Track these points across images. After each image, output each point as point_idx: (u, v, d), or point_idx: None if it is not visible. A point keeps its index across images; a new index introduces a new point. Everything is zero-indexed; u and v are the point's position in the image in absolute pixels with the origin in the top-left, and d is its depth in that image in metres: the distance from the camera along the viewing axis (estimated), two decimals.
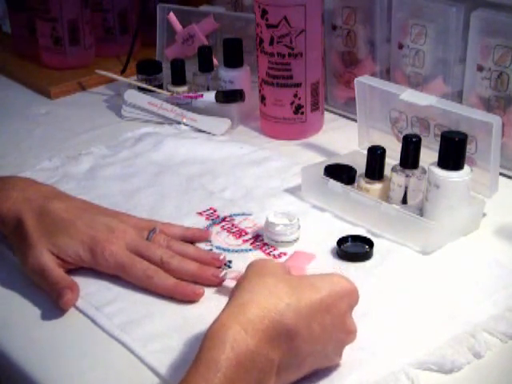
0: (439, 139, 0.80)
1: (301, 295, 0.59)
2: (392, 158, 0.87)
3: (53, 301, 0.73)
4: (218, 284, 0.75)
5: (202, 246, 0.81)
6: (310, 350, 0.60)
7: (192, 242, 0.82)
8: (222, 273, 0.75)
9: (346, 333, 0.62)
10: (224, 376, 0.54)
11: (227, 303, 0.60)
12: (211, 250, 0.81)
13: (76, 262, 0.76)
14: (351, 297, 0.62)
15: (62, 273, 0.75)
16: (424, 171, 0.83)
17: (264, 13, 0.99)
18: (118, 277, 0.76)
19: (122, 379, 0.65)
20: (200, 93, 1.12)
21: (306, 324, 0.59)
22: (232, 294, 0.62)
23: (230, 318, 0.57)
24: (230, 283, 0.73)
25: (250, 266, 0.64)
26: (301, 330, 0.58)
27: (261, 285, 0.60)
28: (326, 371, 0.63)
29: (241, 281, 0.62)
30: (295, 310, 0.58)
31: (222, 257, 0.78)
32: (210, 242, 0.82)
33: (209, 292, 0.74)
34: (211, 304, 0.72)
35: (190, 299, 0.73)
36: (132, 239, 0.77)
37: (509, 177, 0.94)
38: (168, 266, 0.76)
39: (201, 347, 0.57)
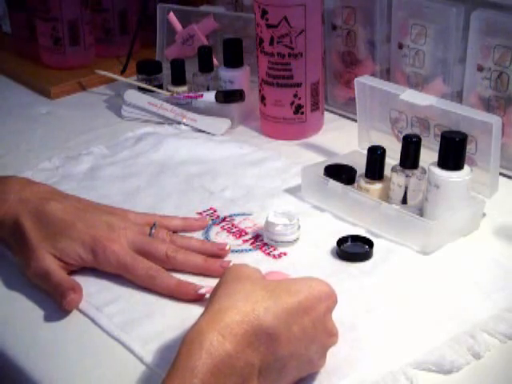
0: (439, 139, 0.80)
1: (278, 299, 0.59)
2: (392, 158, 0.87)
3: (57, 304, 0.73)
4: None
5: None
6: (291, 353, 0.59)
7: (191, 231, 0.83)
8: (231, 264, 0.75)
9: (327, 335, 0.62)
10: (201, 382, 0.54)
11: (204, 310, 0.59)
12: None
13: (78, 263, 0.76)
14: (329, 300, 0.62)
15: (64, 275, 0.75)
16: (424, 171, 0.83)
17: (264, 13, 0.99)
18: (119, 276, 0.76)
19: (122, 379, 0.65)
20: (200, 93, 1.12)
21: (286, 326, 0.58)
22: (209, 300, 0.61)
23: (207, 323, 0.57)
24: None
25: (227, 272, 0.63)
26: (280, 332, 0.58)
27: (238, 290, 0.59)
28: (325, 371, 0.63)
29: (217, 287, 0.62)
30: (274, 313, 0.58)
31: (227, 247, 0.79)
32: (210, 242, 0.82)
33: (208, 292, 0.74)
34: None
35: (192, 299, 0.73)
36: (134, 236, 0.77)
37: (509, 177, 0.94)
38: (174, 260, 0.76)
39: (177, 354, 0.56)
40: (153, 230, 0.79)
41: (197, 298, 0.73)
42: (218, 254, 0.79)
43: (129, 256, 0.75)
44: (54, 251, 0.75)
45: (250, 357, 0.56)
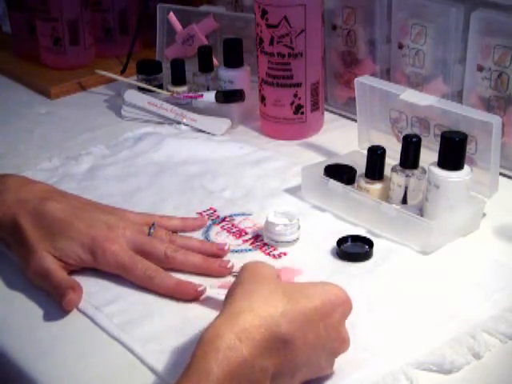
0: (439, 139, 0.80)
1: (295, 304, 0.59)
2: (392, 158, 0.87)
3: (57, 303, 0.73)
4: (225, 274, 0.76)
5: None
6: (304, 359, 0.59)
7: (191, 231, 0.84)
8: (230, 263, 0.76)
9: (339, 342, 0.62)
10: None
11: (222, 311, 0.59)
12: None
13: (77, 263, 0.76)
14: (345, 306, 0.62)
15: (64, 275, 0.75)
16: (424, 171, 0.83)
17: (264, 13, 0.99)
18: (119, 276, 0.76)
19: (121, 379, 0.65)
20: (200, 93, 1.12)
21: (301, 332, 0.58)
22: (226, 300, 0.61)
23: (225, 326, 0.56)
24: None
25: (244, 271, 0.63)
26: (296, 338, 0.58)
27: (255, 292, 0.59)
28: None
29: (234, 287, 0.61)
30: (290, 318, 0.58)
31: (226, 247, 0.79)
32: (210, 241, 0.82)
33: (209, 291, 0.74)
34: (211, 304, 0.72)
35: (191, 298, 0.73)
36: (133, 236, 0.77)
37: (509, 177, 0.94)
38: (173, 260, 0.76)
39: (193, 355, 0.56)
40: (152, 230, 0.79)
41: (196, 297, 0.73)
42: (218, 253, 0.79)
43: (127, 256, 0.75)
44: (53, 251, 0.75)
45: (265, 362, 0.56)
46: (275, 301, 0.58)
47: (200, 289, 0.72)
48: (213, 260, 0.77)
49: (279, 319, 0.57)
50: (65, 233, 0.75)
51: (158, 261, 0.76)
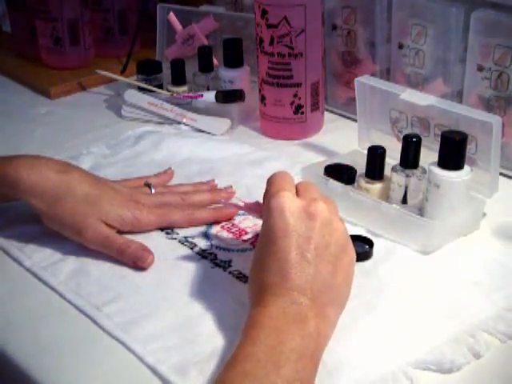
0: (439, 139, 0.80)
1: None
2: (392, 158, 0.87)
3: (130, 264, 0.77)
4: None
5: (202, 246, 0.81)
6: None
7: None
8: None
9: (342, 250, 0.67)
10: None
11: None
12: (211, 250, 0.81)
13: (121, 225, 0.80)
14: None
15: (124, 238, 0.79)
16: (424, 171, 0.83)
17: (264, 13, 0.99)
18: (119, 276, 0.76)
19: (122, 379, 0.65)
20: (200, 93, 1.12)
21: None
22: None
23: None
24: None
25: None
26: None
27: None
28: (325, 370, 0.63)
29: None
30: None
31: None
32: (210, 241, 0.82)
33: (207, 291, 0.74)
34: (211, 304, 0.72)
35: (231, 217, 0.85)
36: (148, 200, 0.84)
37: (509, 177, 0.94)
38: (188, 198, 0.86)
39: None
40: (152, 189, 0.86)
41: (232, 214, 0.85)
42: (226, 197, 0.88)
43: (160, 208, 0.83)
44: (102, 217, 0.79)
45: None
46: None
47: (239, 203, 0.80)
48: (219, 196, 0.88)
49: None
50: (108, 198, 0.80)
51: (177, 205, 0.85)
